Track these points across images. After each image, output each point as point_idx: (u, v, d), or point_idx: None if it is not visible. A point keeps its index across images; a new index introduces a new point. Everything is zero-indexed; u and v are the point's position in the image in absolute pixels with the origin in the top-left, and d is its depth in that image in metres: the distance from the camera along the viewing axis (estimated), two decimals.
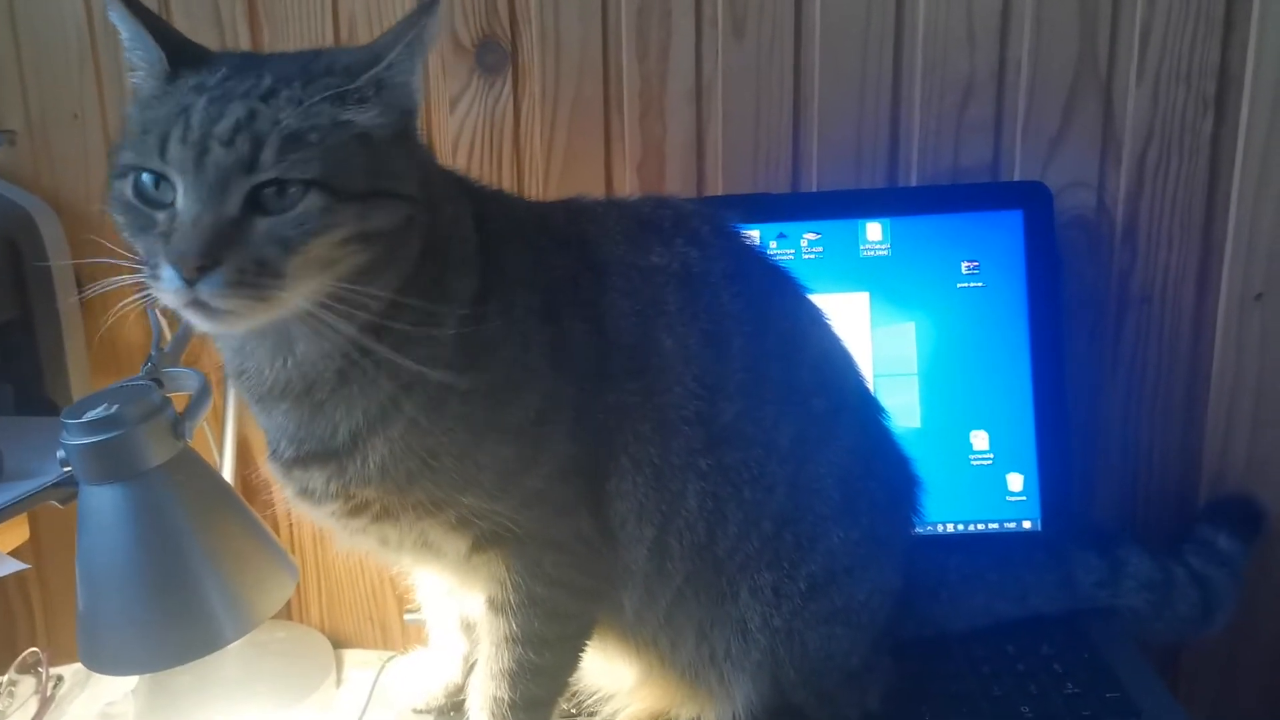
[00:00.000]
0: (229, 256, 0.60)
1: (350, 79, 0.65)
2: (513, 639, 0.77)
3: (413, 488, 0.73)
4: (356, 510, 0.76)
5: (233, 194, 0.61)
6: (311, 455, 0.73)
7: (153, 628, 0.82)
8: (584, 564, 0.78)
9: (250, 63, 0.67)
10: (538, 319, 0.75)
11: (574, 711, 0.90)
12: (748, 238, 0.90)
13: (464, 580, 0.81)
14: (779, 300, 0.86)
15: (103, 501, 0.82)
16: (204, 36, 1.11)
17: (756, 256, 0.89)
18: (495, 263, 0.74)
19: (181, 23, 1.12)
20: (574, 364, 0.76)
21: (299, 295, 0.64)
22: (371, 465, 0.72)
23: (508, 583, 0.77)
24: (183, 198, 0.62)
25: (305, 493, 0.76)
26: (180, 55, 0.67)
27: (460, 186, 0.79)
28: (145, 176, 0.63)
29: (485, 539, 0.76)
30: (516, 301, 0.74)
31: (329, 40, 1.11)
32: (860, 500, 0.83)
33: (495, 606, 0.78)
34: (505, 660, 0.78)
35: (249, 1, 1.11)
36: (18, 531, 0.99)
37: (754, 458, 0.80)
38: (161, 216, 0.63)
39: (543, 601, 0.77)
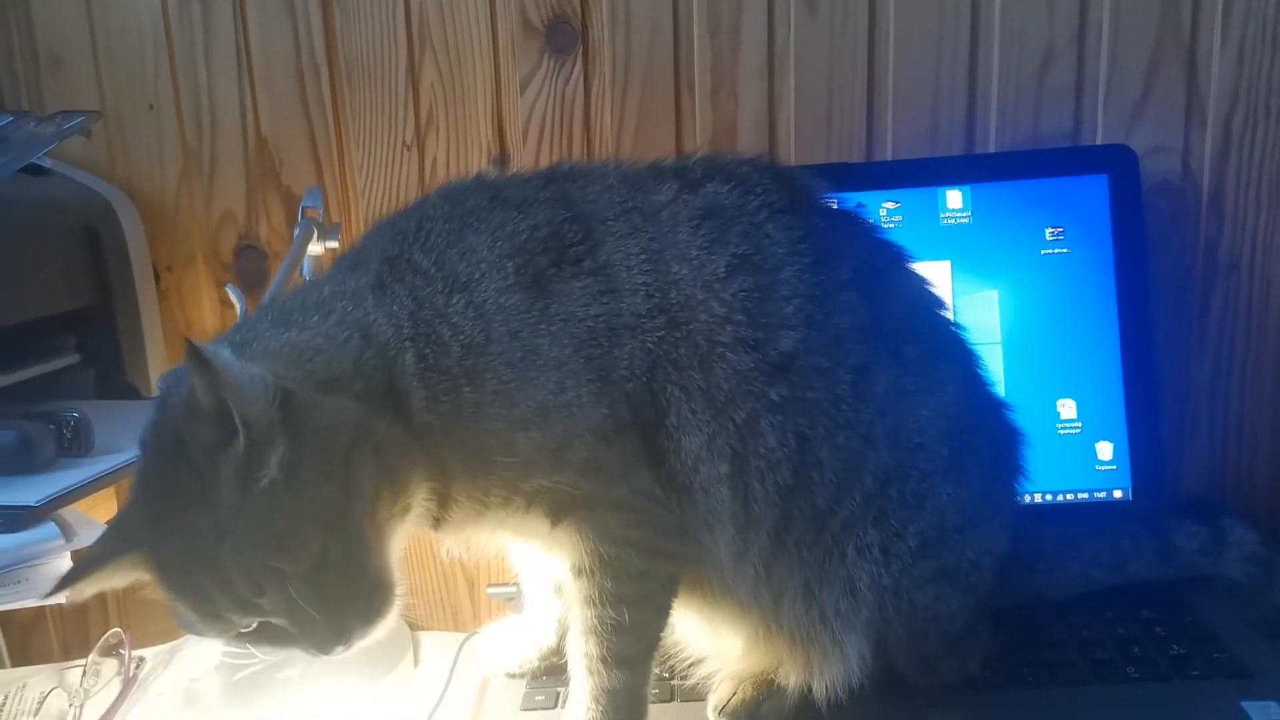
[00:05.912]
0: None
1: None
2: (592, 600, 0.78)
3: (486, 492, 0.75)
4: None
5: None
6: None
7: None
8: (650, 520, 0.78)
9: None
10: (523, 294, 0.74)
11: (666, 675, 0.89)
12: (809, 184, 0.85)
13: (548, 549, 0.81)
14: (851, 239, 0.84)
15: None
16: (277, 26, 1.14)
17: (817, 202, 0.85)
18: (443, 265, 0.75)
19: (255, 12, 1.14)
20: (579, 324, 0.75)
21: None
22: None
23: (581, 547, 0.77)
24: None
25: None
26: None
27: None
28: None
29: (558, 511, 0.77)
30: (488, 287, 0.74)
31: (401, 32, 1.12)
32: (969, 455, 0.81)
33: (575, 570, 0.79)
34: (589, 619, 0.78)
35: None
36: (106, 507, 1.00)
37: (842, 398, 0.78)
38: None
39: (612, 561, 0.77)
